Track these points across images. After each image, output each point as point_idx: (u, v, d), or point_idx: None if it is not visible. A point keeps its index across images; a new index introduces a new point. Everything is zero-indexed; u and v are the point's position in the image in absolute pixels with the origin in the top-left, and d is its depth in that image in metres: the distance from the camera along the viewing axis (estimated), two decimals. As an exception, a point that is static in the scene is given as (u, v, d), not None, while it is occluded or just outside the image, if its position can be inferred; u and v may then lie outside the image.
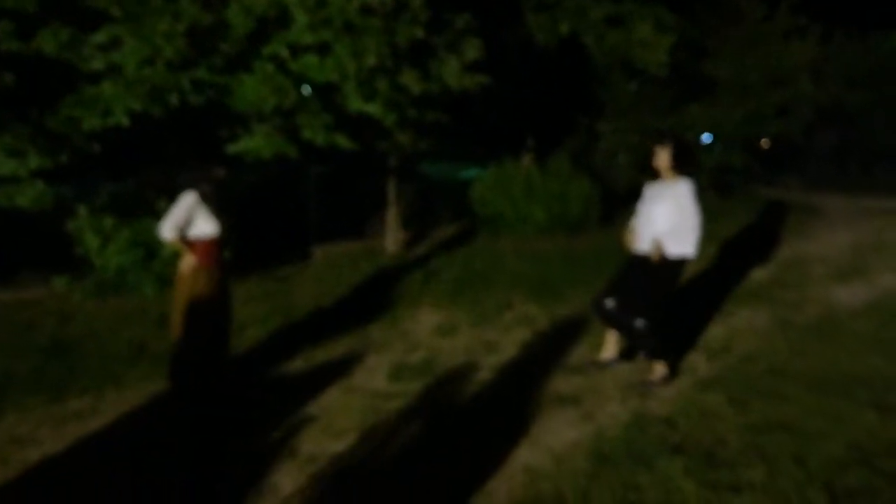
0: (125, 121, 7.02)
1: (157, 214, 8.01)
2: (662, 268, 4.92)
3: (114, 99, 6.88)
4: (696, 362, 5.49)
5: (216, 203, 4.92)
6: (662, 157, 5.04)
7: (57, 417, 4.87)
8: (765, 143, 21.76)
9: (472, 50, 8.43)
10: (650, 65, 10.96)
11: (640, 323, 4.96)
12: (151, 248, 8.01)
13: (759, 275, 8.42)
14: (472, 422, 4.52)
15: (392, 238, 11.08)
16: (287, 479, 3.80)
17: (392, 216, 11.10)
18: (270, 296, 8.21)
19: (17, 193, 7.13)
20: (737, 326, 6.41)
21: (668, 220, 4.92)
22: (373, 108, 7.63)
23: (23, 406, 5.07)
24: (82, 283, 8.23)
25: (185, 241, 4.79)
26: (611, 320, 5.18)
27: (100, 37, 6.93)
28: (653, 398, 4.76)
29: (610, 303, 5.11)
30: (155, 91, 6.89)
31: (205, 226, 4.84)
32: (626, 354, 5.32)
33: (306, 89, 7.79)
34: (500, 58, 10.84)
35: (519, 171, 12.40)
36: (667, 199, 4.98)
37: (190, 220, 4.78)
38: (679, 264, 4.95)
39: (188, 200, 4.77)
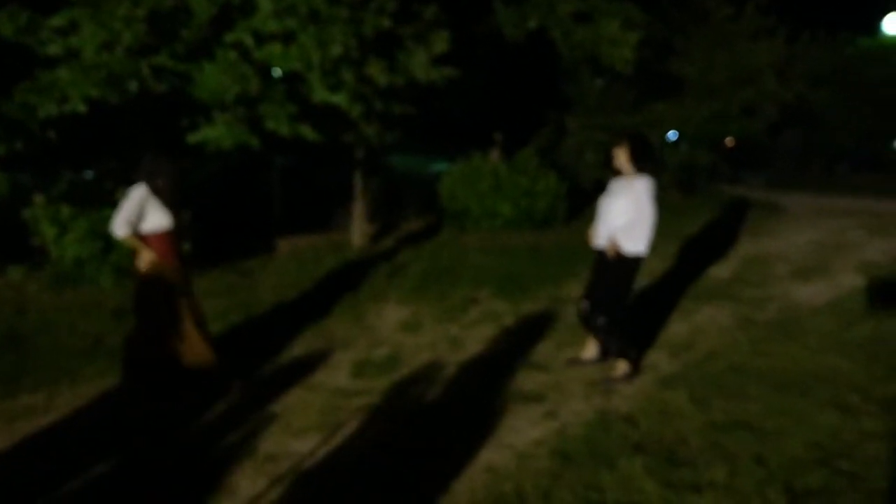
0: (82, 108, 6.83)
1: (116, 205, 7.82)
2: (618, 264, 4.91)
3: (70, 85, 6.69)
4: (659, 360, 5.49)
5: (170, 195, 4.78)
6: (620, 156, 5.03)
7: (8, 413, 4.74)
8: (729, 141, 22.03)
9: (440, 42, 8.36)
10: (616, 61, 10.98)
11: (601, 320, 4.98)
12: (110, 239, 7.81)
13: (721, 272, 8.48)
14: (435, 420, 4.47)
15: (358, 231, 10.98)
16: (245, 479, 3.71)
17: (358, 209, 11.00)
18: (232, 289, 8.07)
19: (-29, 181, 6.93)
20: (699, 324, 6.44)
21: (623, 217, 4.91)
22: (338, 99, 7.52)
23: (-29, 401, 4.91)
24: (38, 273, 8.02)
25: (140, 237, 4.66)
26: (585, 322, 5.22)
27: (57, 20, 6.75)
28: (616, 396, 4.75)
29: (584, 304, 5.15)
30: (113, 77, 6.72)
31: (158, 219, 4.70)
32: (605, 354, 5.29)
33: (276, 72, 7.65)
34: (468, 51, 10.78)
35: (486, 166, 12.38)
36: (624, 195, 4.97)
37: (142, 214, 4.64)
38: (634, 261, 4.93)
39: (138, 194, 4.63)
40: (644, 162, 4.97)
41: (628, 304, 5.11)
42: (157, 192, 4.70)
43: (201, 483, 3.68)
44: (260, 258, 10.01)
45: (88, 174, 10.27)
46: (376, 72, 7.63)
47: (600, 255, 5.11)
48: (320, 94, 7.45)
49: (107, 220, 7.61)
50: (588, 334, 5.36)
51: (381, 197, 12.34)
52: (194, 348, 4.85)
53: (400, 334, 6.50)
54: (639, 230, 4.83)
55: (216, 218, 9.35)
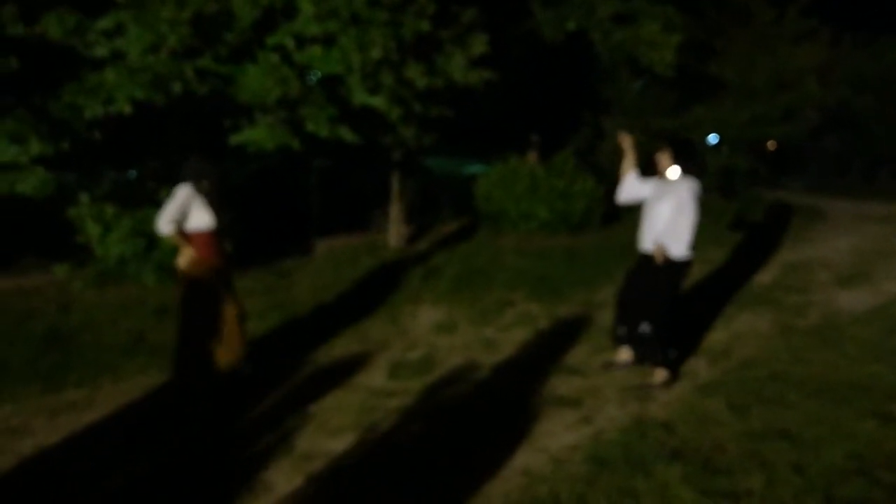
0: (127, 108, 6.98)
1: (159, 204, 7.96)
2: (666, 269, 4.89)
3: (116, 86, 6.84)
4: (697, 367, 5.45)
5: (214, 196, 4.87)
6: (663, 161, 5.06)
7: (52, 408, 4.86)
8: (770, 145, 21.70)
9: (478, 45, 8.37)
10: (656, 64, 10.88)
11: (644, 327, 4.96)
12: (152, 237, 7.98)
13: (761, 278, 8.38)
14: (469, 422, 4.48)
15: (395, 233, 11.05)
16: (282, 477, 3.77)
17: (395, 211, 11.07)
18: (270, 290, 8.18)
19: (19, 180, 7.11)
20: (738, 331, 6.37)
21: (667, 221, 4.89)
22: (377, 102, 7.57)
23: (18, 396, 5.06)
24: (83, 271, 8.21)
25: (183, 235, 4.75)
26: (627, 343, 5.25)
27: (104, 23, 6.89)
28: (652, 402, 4.72)
29: (621, 331, 5.18)
30: (158, 79, 6.85)
31: (202, 218, 4.79)
32: (640, 360, 5.27)
33: (315, 74, 7.74)
34: (506, 53, 10.77)
35: (523, 169, 12.36)
36: (668, 199, 4.95)
37: (186, 213, 4.74)
38: (683, 265, 4.93)
39: (183, 193, 4.73)
40: (688, 165, 4.97)
41: (675, 310, 5.08)
42: (201, 192, 4.80)
43: (239, 480, 3.73)
44: (297, 259, 10.12)
45: (131, 174, 10.51)
46: (415, 74, 7.67)
47: (645, 259, 5.09)
48: (360, 97, 7.52)
49: (150, 219, 7.79)
50: (620, 343, 5.35)
51: (417, 199, 12.38)
52: (232, 345, 4.92)
53: (435, 336, 6.54)
54: (682, 232, 4.81)
55: (255, 219, 9.47)
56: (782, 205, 15.02)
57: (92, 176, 9.14)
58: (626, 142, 5.40)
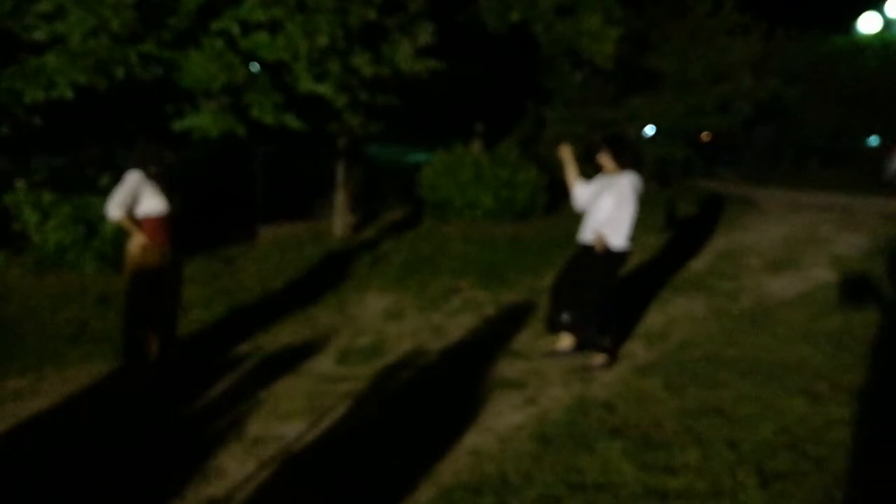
0: (69, 94, 6.83)
1: (99, 191, 7.84)
2: (605, 259, 5.07)
3: (58, 71, 6.69)
4: (635, 349, 5.66)
5: (163, 183, 4.86)
6: (605, 160, 5.27)
7: (-4, 397, 4.78)
8: (705, 136, 22.30)
9: (425, 34, 8.43)
10: (597, 56, 11.08)
11: (565, 318, 5.16)
12: (92, 225, 7.82)
13: (696, 265, 8.68)
14: (418, 405, 4.59)
15: (340, 221, 11.05)
16: (234, 462, 3.80)
17: (340, 199, 11.06)
18: (216, 277, 8.12)
19: (-46, 165, 6.90)
20: (674, 314, 6.63)
21: (608, 213, 5.07)
22: (323, 89, 7.57)
23: (-41, 385, 4.95)
24: (20, 259, 8.01)
25: (134, 220, 4.72)
26: (564, 329, 5.37)
27: (44, 6, 6.72)
28: (593, 383, 4.90)
29: (558, 318, 5.29)
30: (100, 64, 6.72)
31: (152, 203, 4.77)
32: (579, 347, 5.42)
33: (254, 66, 7.69)
34: (451, 43, 10.84)
35: (468, 157, 12.47)
36: (609, 191, 5.13)
37: (137, 198, 4.71)
38: (621, 255, 5.12)
39: (134, 179, 4.69)
40: (626, 159, 5.17)
41: (612, 298, 5.26)
42: (150, 177, 4.77)
43: (190, 465, 3.75)
44: (242, 246, 10.03)
45: (67, 159, 10.23)
46: (362, 62, 7.70)
47: (585, 249, 5.25)
48: (306, 84, 7.50)
49: (90, 206, 7.66)
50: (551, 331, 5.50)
51: (362, 187, 12.38)
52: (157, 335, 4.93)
53: (383, 322, 6.61)
54: (622, 224, 4.99)
55: (199, 205, 9.34)
56: (716, 194, 15.49)
57: (29, 162, 8.88)
58: (566, 153, 5.53)
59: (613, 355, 5.32)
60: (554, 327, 5.40)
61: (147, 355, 4.81)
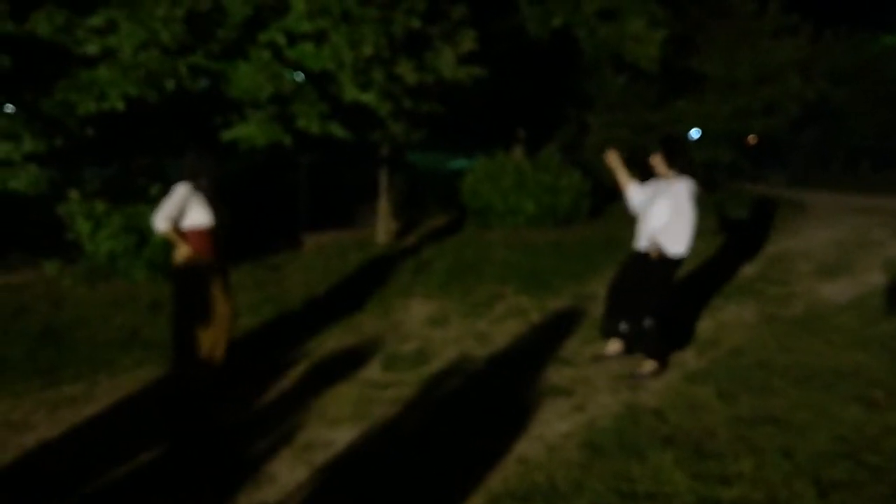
0: (121, 105, 7.00)
1: (149, 200, 8.00)
2: (660, 266, 4.99)
3: (110, 83, 6.85)
4: (686, 356, 5.58)
5: (211, 194, 4.92)
6: (658, 163, 5.16)
7: (51, 403, 4.88)
8: (752, 139, 21.94)
9: (468, 41, 8.46)
10: (641, 59, 11.02)
11: (623, 327, 5.11)
12: (143, 234, 7.99)
13: (746, 270, 8.54)
14: (465, 412, 4.58)
15: (383, 228, 11.11)
16: (284, 468, 3.83)
17: (383, 206, 11.13)
18: (261, 284, 8.22)
19: (11, 177, 7.09)
20: (725, 321, 6.52)
21: (664, 219, 4.99)
22: (368, 98, 7.64)
23: (16, 391, 5.07)
24: (73, 267, 8.21)
25: (179, 232, 4.79)
26: (616, 336, 5.32)
27: (95, 20, 6.90)
28: (643, 390, 4.84)
29: (610, 324, 5.26)
30: (151, 76, 6.87)
31: (199, 216, 4.83)
32: (627, 350, 5.38)
33: (298, 76, 7.78)
34: (493, 49, 10.86)
35: (510, 164, 12.46)
36: (664, 197, 5.05)
37: (183, 210, 4.77)
38: (676, 263, 5.03)
39: (182, 191, 4.76)
40: (680, 162, 5.08)
41: (668, 304, 5.21)
42: (199, 190, 4.84)
43: (242, 472, 3.79)
44: (287, 254, 10.16)
45: (118, 170, 10.46)
46: (405, 71, 7.75)
47: (639, 256, 5.19)
48: (351, 93, 7.58)
49: (140, 215, 7.81)
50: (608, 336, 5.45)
51: (404, 194, 12.45)
52: (220, 341, 4.98)
53: (427, 329, 6.62)
54: (680, 231, 4.91)
55: (244, 214, 9.49)
56: (764, 198, 15.22)
57: (82, 172, 9.11)
58: (613, 160, 5.47)
59: (664, 362, 5.25)
60: (610, 334, 5.36)
61: (201, 362, 4.87)
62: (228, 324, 5.02)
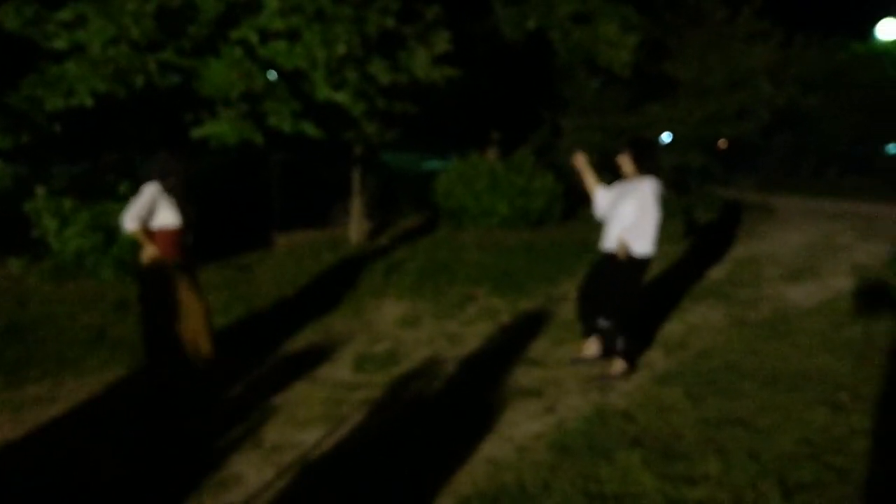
0: (89, 101, 6.90)
1: (118, 198, 7.90)
2: (628, 266, 5.02)
3: (78, 79, 6.75)
4: (654, 358, 5.62)
5: (180, 193, 4.88)
6: (625, 163, 5.18)
7: (15, 403, 4.80)
8: (722, 143, 22.19)
9: (442, 42, 8.45)
10: (614, 64, 11.09)
11: (603, 323, 5.11)
12: (111, 232, 7.88)
13: (715, 273, 8.63)
14: (435, 413, 4.57)
15: (356, 228, 11.07)
16: (252, 469, 3.80)
17: (356, 206, 11.09)
18: (232, 283, 8.15)
19: (-25, 172, 6.98)
20: (693, 323, 6.58)
21: (631, 219, 5.03)
22: (341, 97, 7.60)
23: (-22, 391, 4.98)
24: (39, 265, 8.08)
25: (147, 232, 4.75)
26: (603, 335, 5.31)
27: (65, 14, 6.81)
28: (612, 392, 4.87)
29: (603, 322, 5.21)
30: (120, 72, 6.77)
31: (167, 217, 4.80)
32: (606, 353, 5.35)
33: (272, 74, 7.73)
34: (468, 51, 10.87)
35: (483, 165, 12.48)
36: (631, 197, 5.09)
37: (153, 210, 4.74)
38: (644, 262, 5.07)
39: (151, 191, 4.72)
40: (648, 164, 5.11)
41: (637, 305, 5.23)
42: (167, 189, 4.80)
43: (209, 472, 3.76)
44: (258, 253, 10.09)
45: (85, 168, 10.32)
46: (379, 70, 7.72)
47: (607, 257, 5.21)
48: (324, 92, 7.53)
49: (108, 213, 7.71)
50: (587, 336, 5.46)
51: (377, 194, 12.42)
52: (203, 340, 4.93)
53: (399, 330, 6.60)
54: (646, 231, 4.95)
55: (214, 212, 9.40)
56: (734, 202, 15.40)
57: (45, 168, 8.97)
58: (580, 162, 5.50)
59: (633, 364, 5.28)
60: (591, 332, 5.37)
61: (177, 360, 4.82)
62: (205, 319, 4.98)
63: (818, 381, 4.90)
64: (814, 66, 22.90)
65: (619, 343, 5.13)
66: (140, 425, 4.44)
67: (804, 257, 9.53)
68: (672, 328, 6.41)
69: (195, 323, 4.90)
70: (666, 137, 17.75)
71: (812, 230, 11.85)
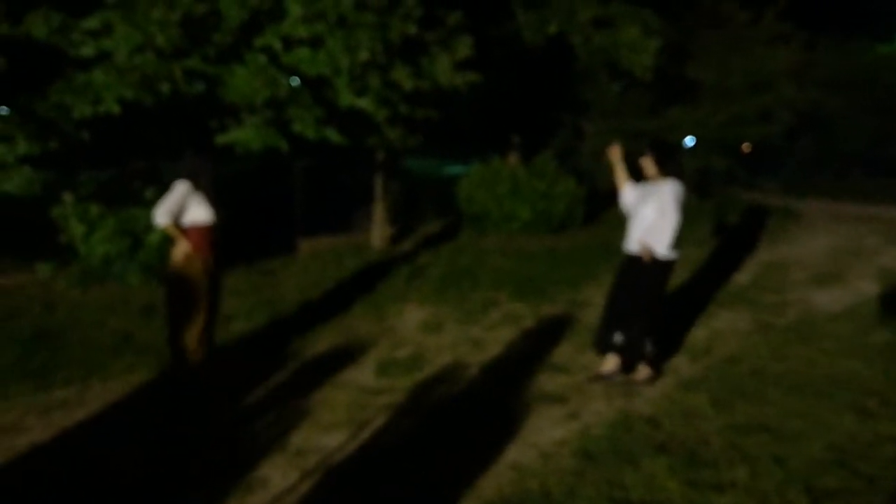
0: (116, 108, 6.99)
1: (144, 204, 7.98)
2: (651, 269, 5.00)
3: (105, 86, 6.85)
4: (679, 363, 5.58)
5: (210, 193, 4.95)
6: (648, 165, 5.15)
7: (43, 406, 4.87)
8: (746, 147, 21.99)
9: (464, 48, 8.48)
10: (636, 67, 11.04)
11: (618, 338, 5.08)
12: (137, 237, 7.98)
13: (740, 278, 8.55)
14: (459, 418, 4.58)
15: (378, 233, 11.11)
16: (276, 472, 3.83)
17: (379, 211, 11.13)
18: (256, 289, 8.21)
19: (5, 179, 7.08)
20: (718, 329, 6.53)
21: (651, 221, 5.01)
22: (364, 104, 7.65)
23: (8, 394, 5.05)
24: (66, 270, 8.18)
25: (179, 228, 4.81)
26: (620, 352, 5.19)
27: (91, 22, 6.90)
28: (637, 398, 4.84)
29: (618, 337, 5.13)
30: (146, 79, 6.86)
31: (199, 213, 4.87)
32: (626, 368, 5.23)
33: (295, 81, 7.79)
34: (489, 55, 10.89)
35: (505, 170, 12.48)
36: (652, 199, 5.07)
37: (184, 207, 4.81)
38: (666, 265, 5.03)
39: (182, 188, 4.79)
40: (670, 166, 5.08)
41: (661, 308, 5.18)
42: (198, 189, 4.87)
43: (234, 476, 3.79)
44: (282, 258, 10.16)
45: (112, 173, 10.45)
46: (402, 76, 7.75)
47: (630, 260, 5.18)
48: (347, 99, 7.58)
49: (135, 219, 7.81)
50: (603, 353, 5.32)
51: (399, 199, 12.45)
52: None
53: (421, 335, 6.61)
54: (664, 232, 4.92)
55: (239, 218, 9.47)
56: (758, 205, 15.26)
57: (76, 175, 9.10)
58: (615, 154, 5.48)
59: (658, 370, 5.25)
60: (605, 348, 5.24)
61: (188, 361, 4.87)
62: (211, 325, 5.03)
63: (845, 386, 4.85)
64: (837, 68, 22.67)
65: (640, 346, 5.08)
66: (166, 428, 4.49)
67: (830, 261, 9.42)
68: (697, 333, 6.37)
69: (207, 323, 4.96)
70: (689, 141, 17.63)
71: (838, 234, 11.71)
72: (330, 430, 4.39)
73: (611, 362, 5.28)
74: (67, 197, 8.14)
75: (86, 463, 4.01)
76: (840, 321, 6.61)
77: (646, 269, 5.00)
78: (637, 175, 5.37)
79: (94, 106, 6.99)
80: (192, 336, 4.85)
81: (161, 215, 4.72)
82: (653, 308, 5.08)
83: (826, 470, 3.64)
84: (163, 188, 4.91)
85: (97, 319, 6.92)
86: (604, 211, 13.23)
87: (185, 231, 4.83)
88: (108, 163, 10.02)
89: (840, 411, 4.40)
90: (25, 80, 7.13)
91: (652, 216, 5.01)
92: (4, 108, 7.11)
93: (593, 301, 7.27)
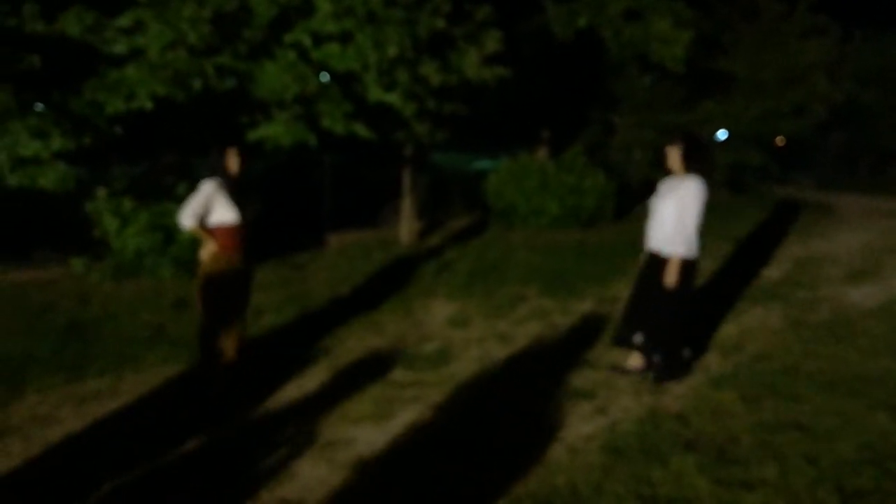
0: (149, 105, 7.09)
1: (176, 198, 8.08)
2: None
3: (138, 83, 6.96)
4: (709, 360, 5.53)
5: (237, 192, 4.92)
6: (673, 157, 4.95)
7: (77, 397, 4.95)
8: (780, 140, 21.69)
9: (492, 42, 8.47)
10: (667, 60, 10.95)
11: (638, 338, 5.02)
12: (170, 231, 8.08)
13: (772, 273, 8.45)
14: (486, 413, 4.58)
15: (406, 228, 11.14)
16: (305, 464, 3.86)
17: (406, 206, 11.16)
18: (286, 283, 8.28)
19: (40, 174, 7.21)
20: (749, 325, 6.45)
21: (670, 220, 4.86)
22: (392, 99, 7.68)
23: (43, 386, 5.13)
24: (100, 264, 8.31)
25: (206, 229, 4.80)
26: (640, 350, 5.15)
27: (123, 20, 7.01)
28: (666, 394, 4.81)
29: (638, 338, 5.08)
30: (178, 76, 6.96)
31: (225, 213, 4.83)
32: (649, 367, 5.16)
33: (324, 76, 7.83)
34: (518, 50, 10.86)
35: (533, 165, 12.45)
36: (673, 195, 4.91)
37: (209, 207, 4.76)
38: (687, 266, 4.87)
39: (207, 188, 4.76)
40: (695, 163, 4.92)
41: (686, 309, 5.06)
42: (225, 187, 4.84)
43: (263, 468, 3.83)
44: (311, 253, 10.22)
45: (145, 168, 10.60)
46: (430, 71, 7.77)
47: (652, 258, 5.08)
48: (375, 94, 7.62)
49: (167, 213, 7.90)
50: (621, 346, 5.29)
51: (427, 194, 12.47)
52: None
53: (449, 329, 6.62)
54: (684, 233, 4.78)
55: (269, 213, 9.56)
56: (792, 200, 15.07)
57: (109, 170, 9.25)
58: None
59: (687, 366, 5.18)
60: (622, 343, 5.21)
61: (220, 358, 4.90)
62: (241, 322, 5.06)
63: (879, 384, 4.77)
64: (872, 62, 22.26)
65: (655, 357, 5.00)
66: (195, 420, 4.54)
67: (864, 257, 9.27)
68: (728, 330, 6.30)
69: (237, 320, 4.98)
70: (721, 135, 17.42)
71: (872, 229, 11.52)
72: (358, 423, 4.42)
73: (635, 359, 5.25)
74: (101, 192, 8.26)
75: (119, 454, 4.07)
76: (874, 318, 6.50)
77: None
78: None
79: (126, 102, 7.10)
80: (222, 335, 4.88)
81: (186, 217, 4.68)
82: (676, 310, 4.95)
83: (858, 469, 3.59)
84: (194, 183, 4.92)
85: (130, 312, 7.03)
86: (634, 206, 13.14)
87: (211, 231, 4.81)
88: (140, 158, 10.16)
89: (873, 410, 4.33)
90: (60, 77, 7.25)
91: (673, 215, 4.84)
92: (39, 104, 7.24)
93: (622, 297, 7.20)
